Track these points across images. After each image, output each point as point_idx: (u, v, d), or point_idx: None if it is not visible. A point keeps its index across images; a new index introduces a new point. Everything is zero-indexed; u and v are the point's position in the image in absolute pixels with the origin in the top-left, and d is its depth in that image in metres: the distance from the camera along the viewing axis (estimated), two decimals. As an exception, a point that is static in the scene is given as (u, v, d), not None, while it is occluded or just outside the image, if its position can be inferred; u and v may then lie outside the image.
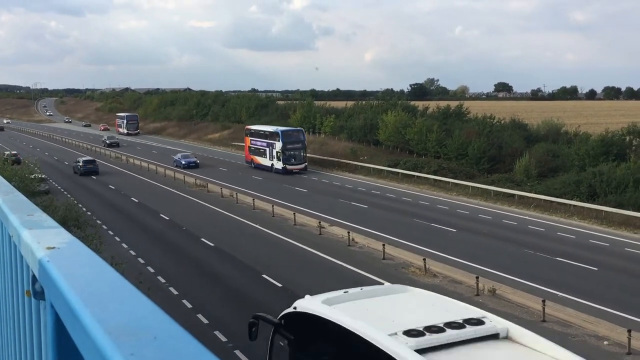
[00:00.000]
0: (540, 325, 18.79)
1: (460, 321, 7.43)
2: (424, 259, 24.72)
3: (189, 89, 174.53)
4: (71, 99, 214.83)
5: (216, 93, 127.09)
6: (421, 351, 6.74)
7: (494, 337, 7.46)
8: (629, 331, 16.82)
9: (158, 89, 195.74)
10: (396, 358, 6.60)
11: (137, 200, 42.07)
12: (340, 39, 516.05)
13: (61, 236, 1.87)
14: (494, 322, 7.69)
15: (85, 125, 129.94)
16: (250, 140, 59.61)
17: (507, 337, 7.59)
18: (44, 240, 1.75)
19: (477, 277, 22.10)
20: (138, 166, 60.46)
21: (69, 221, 20.72)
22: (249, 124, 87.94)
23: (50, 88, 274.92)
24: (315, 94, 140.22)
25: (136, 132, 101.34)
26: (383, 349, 6.78)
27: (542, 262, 26.30)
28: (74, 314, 1.16)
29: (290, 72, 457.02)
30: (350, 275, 24.56)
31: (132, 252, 27.94)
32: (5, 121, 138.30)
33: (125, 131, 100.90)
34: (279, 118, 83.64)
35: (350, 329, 7.37)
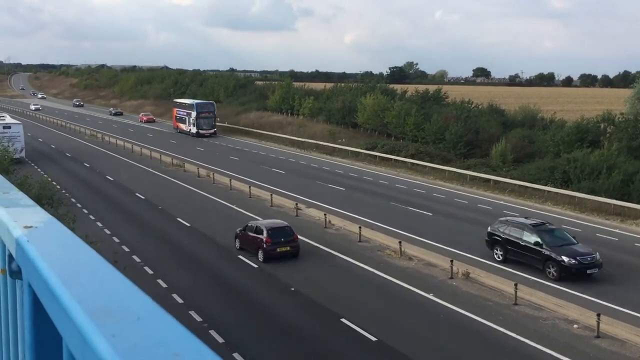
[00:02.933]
0: (513, 308, 19.12)
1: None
2: (400, 242, 24.90)
3: (167, 67, 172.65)
4: (45, 74, 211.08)
5: (194, 72, 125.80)
6: None
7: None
8: (598, 315, 17.17)
9: (135, 66, 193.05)
10: None
11: (112, 179, 41.65)
12: (320, 20, 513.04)
13: (38, 215, 1.84)
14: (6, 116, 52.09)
15: (115, 114, 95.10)
16: None
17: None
18: (20, 218, 1.72)
19: (451, 261, 22.35)
20: (114, 144, 59.76)
21: (43, 199, 20.43)
22: (227, 103, 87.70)
23: (24, 63, 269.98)
24: (294, 75, 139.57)
25: (212, 130, 66.77)
26: None
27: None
28: (53, 294, 1.15)
29: (270, 52, 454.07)
30: (325, 256, 24.66)
31: (107, 231, 27.72)
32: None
33: (194, 130, 66.07)
34: (258, 99, 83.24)
35: None
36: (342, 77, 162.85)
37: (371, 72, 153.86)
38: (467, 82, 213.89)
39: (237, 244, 25.22)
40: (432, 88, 70.25)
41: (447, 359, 15.80)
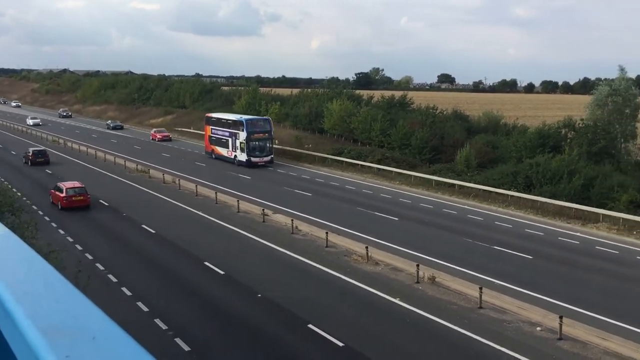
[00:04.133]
0: (477, 311, 19.35)
1: None
2: (366, 247, 24.99)
3: (131, 72, 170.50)
4: (5, 79, 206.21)
5: (159, 77, 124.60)
6: None
7: None
8: (561, 317, 17.48)
9: (98, 71, 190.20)
10: None
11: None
12: (287, 25, 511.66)
13: None
14: None
15: (114, 128, 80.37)
16: None
17: None
18: None
19: (417, 265, 22.50)
20: (77, 150, 58.72)
21: (4, 207, 19.95)
22: (193, 109, 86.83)
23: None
24: (260, 81, 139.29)
25: (269, 158, 50.21)
26: None
27: (480, 250, 27.01)
28: (7, 311, 1.12)
29: (236, 57, 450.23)
30: (292, 262, 24.64)
31: (70, 239, 27.21)
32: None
33: (244, 157, 49.57)
34: (224, 104, 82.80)
35: None
36: (309, 82, 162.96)
37: (337, 77, 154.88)
38: (432, 88, 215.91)
39: (24, 160, 50.02)
40: (397, 94, 70.84)
41: (413, 363, 15.91)
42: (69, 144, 62.96)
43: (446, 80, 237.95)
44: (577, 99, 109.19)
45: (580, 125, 44.72)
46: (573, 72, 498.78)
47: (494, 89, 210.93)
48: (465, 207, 36.58)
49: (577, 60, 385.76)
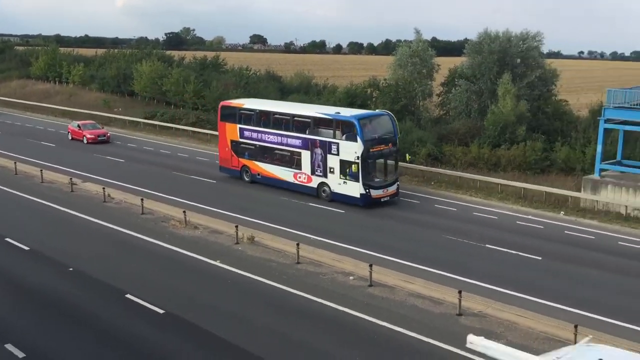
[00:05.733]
0: (295, 267, 20.09)
1: None
2: (184, 212, 24.69)
3: None
4: None
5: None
6: None
7: None
8: (370, 266, 18.78)
9: None
10: None
11: None
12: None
13: None
14: None
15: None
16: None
17: None
18: None
19: (236, 226, 22.73)
20: None
21: None
22: (-18, 71, 78.03)
23: None
24: (60, 40, 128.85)
25: (394, 186, 28.90)
26: None
27: (298, 208, 27.91)
28: None
29: (31, 14, 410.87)
30: (106, 232, 23.60)
31: None
32: None
33: (358, 191, 27.79)
34: (19, 66, 75.65)
35: None
36: (115, 42, 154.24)
37: (146, 37, 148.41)
38: (244, 48, 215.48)
39: None
40: (210, 54, 69.75)
41: (233, 321, 16.11)
42: None
43: (258, 41, 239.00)
44: (380, 59, 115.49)
45: (384, 84, 47.44)
46: (376, 34, 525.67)
47: (304, 49, 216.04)
48: (281, 166, 37.34)
49: (380, 23, 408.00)
